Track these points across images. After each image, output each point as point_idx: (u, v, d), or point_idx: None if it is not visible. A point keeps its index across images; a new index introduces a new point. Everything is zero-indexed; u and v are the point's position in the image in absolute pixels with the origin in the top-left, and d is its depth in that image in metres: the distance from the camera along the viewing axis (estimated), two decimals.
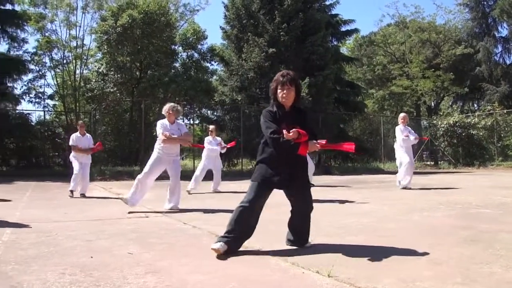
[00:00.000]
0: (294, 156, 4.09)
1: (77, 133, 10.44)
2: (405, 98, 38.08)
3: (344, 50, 38.04)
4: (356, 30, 30.35)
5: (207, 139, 11.33)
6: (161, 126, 7.41)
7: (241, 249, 4.20)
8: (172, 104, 7.71)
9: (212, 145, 11.20)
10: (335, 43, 28.97)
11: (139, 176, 7.34)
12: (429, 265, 3.60)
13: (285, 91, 4.21)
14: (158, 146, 7.42)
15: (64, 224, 6.04)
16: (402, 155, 11.20)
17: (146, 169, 7.35)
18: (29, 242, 4.68)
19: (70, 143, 10.41)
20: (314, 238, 4.57)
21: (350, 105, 27.73)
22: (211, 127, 11.68)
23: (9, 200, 9.08)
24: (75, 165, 10.15)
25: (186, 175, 16.41)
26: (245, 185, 9.98)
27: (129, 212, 6.97)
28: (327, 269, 3.36)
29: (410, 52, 37.40)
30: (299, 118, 4.23)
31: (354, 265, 3.59)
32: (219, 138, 11.60)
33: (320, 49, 22.12)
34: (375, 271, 3.42)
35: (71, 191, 9.86)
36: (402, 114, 11.58)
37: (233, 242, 4.06)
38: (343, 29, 29.09)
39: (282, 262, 3.75)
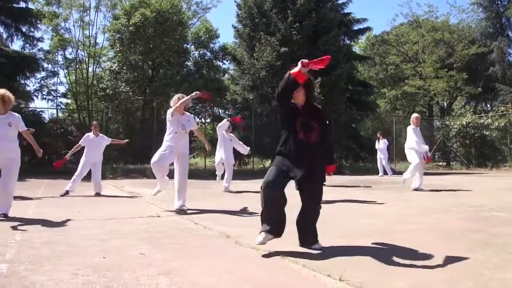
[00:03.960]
0: (313, 150, 4.24)
1: (91, 133, 10.52)
2: (418, 98, 37.88)
3: (356, 49, 37.87)
4: (368, 29, 30.23)
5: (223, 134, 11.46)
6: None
7: (253, 250, 4.22)
8: (179, 94, 7.72)
9: (226, 140, 11.31)
10: (347, 42, 28.87)
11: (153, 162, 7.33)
12: (441, 269, 3.58)
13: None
14: (167, 138, 7.39)
15: (77, 223, 6.08)
16: (413, 156, 11.11)
17: (155, 157, 7.30)
18: (42, 241, 4.71)
19: (79, 142, 10.51)
20: (325, 239, 4.56)
21: (362, 105, 27.61)
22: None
23: (30, 198, 9.18)
24: (79, 166, 10.25)
25: (198, 174, 16.46)
26: (256, 185, 9.99)
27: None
28: (338, 273, 3.35)
29: (423, 51, 37.18)
30: (314, 114, 4.44)
31: (365, 269, 3.58)
32: (232, 135, 11.68)
33: (332, 48, 22.03)
34: (387, 275, 3.41)
35: (67, 191, 9.84)
36: (415, 115, 11.47)
37: (275, 229, 4.20)
38: (356, 28, 28.98)
39: (293, 264, 3.75)
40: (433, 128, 30.13)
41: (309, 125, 4.32)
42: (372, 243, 4.62)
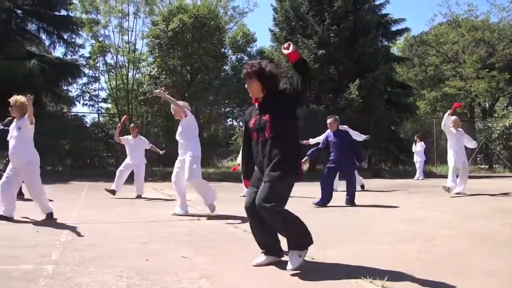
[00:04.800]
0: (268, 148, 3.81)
1: (130, 136, 10.72)
2: (459, 100, 37.06)
3: (394, 50, 37.34)
4: (406, 30, 29.69)
5: None
6: None
7: None
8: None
9: None
10: (385, 43, 28.47)
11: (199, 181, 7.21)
12: (485, 276, 3.51)
13: (246, 86, 4.04)
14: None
15: (119, 225, 6.21)
16: (451, 159, 10.76)
17: (198, 172, 7.16)
18: (86, 243, 4.83)
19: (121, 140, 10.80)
20: (365, 244, 4.52)
21: (402, 107, 27.18)
22: None
23: (73, 200, 9.40)
24: (120, 167, 10.50)
25: (238, 177, 16.51)
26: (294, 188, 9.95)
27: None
28: (381, 279, 3.32)
29: (463, 51, 36.37)
30: (268, 105, 3.93)
31: (407, 276, 3.53)
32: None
33: (370, 50, 21.83)
34: (429, 283, 3.35)
35: (113, 190, 10.09)
36: (453, 117, 11.18)
37: (271, 250, 3.99)
38: (394, 28, 28.53)
39: (335, 270, 3.73)
40: (475, 130, 29.42)
41: (260, 122, 3.88)
42: (414, 249, 4.54)
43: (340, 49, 21.17)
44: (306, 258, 4.02)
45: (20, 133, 6.40)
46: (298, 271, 3.63)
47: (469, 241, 5.00)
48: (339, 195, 9.21)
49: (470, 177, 11.55)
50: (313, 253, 4.22)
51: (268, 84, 3.95)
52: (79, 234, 5.39)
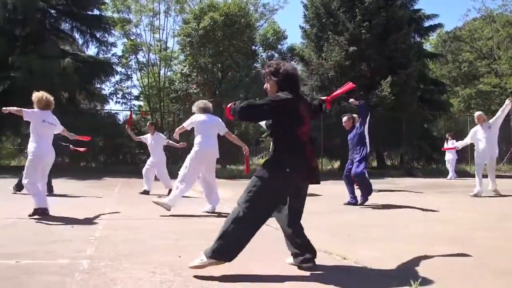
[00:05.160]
0: None
1: (148, 134, 10.88)
2: (494, 97, 36.34)
3: (427, 46, 36.79)
4: (440, 25, 29.16)
5: None
6: None
7: (324, 254, 4.21)
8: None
9: None
10: (418, 39, 28.04)
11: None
12: None
13: (264, 86, 3.95)
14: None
15: (152, 221, 6.29)
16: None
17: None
18: (120, 239, 4.90)
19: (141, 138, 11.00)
20: (397, 246, 4.46)
21: (435, 104, 26.73)
22: None
23: (106, 197, 9.57)
24: (144, 167, 10.69)
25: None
26: (326, 187, 9.95)
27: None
28: (414, 281, 3.27)
29: (498, 47, 35.66)
30: None
31: (442, 278, 3.47)
32: None
33: (402, 46, 21.54)
34: (465, 285, 3.29)
35: (146, 191, 10.33)
36: (476, 113, 10.79)
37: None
38: (426, 24, 28.05)
39: (368, 271, 3.70)
40: (510, 128, 28.78)
41: None
42: (449, 251, 4.47)
43: (371, 46, 20.96)
44: (336, 257, 4.00)
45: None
46: (332, 271, 3.60)
47: (506, 243, 4.90)
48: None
49: (506, 176, 11.26)
50: (345, 253, 4.20)
51: (283, 85, 3.81)
52: (113, 230, 5.48)
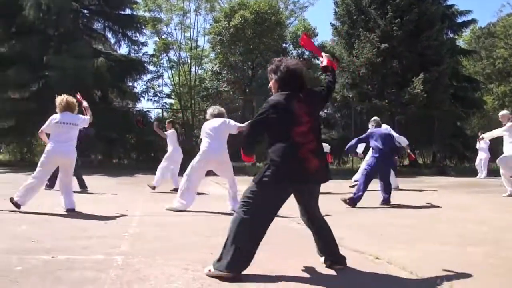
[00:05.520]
0: None
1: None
2: None
3: (460, 42, 36.12)
4: (473, 21, 28.59)
5: None
6: None
7: (356, 253, 4.20)
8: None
9: None
10: (451, 35, 27.57)
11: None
12: None
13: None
14: None
15: (183, 218, 6.35)
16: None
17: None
18: (152, 236, 4.97)
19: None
20: (428, 246, 4.40)
21: (468, 102, 26.22)
22: None
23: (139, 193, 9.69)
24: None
25: None
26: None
27: None
28: (448, 282, 3.23)
29: None
30: None
31: (476, 280, 3.42)
32: None
33: (435, 43, 21.20)
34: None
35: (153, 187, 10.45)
36: (501, 112, 10.41)
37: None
38: (459, 20, 27.56)
39: (400, 271, 3.66)
40: None
41: None
42: (482, 252, 4.39)
43: (403, 43, 20.70)
44: (369, 257, 3.98)
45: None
46: (364, 271, 3.58)
47: None
48: (397, 194, 9.00)
49: None
50: (377, 253, 4.17)
51: (283, 82, 3.68)
52: (145, 226, 5.56)
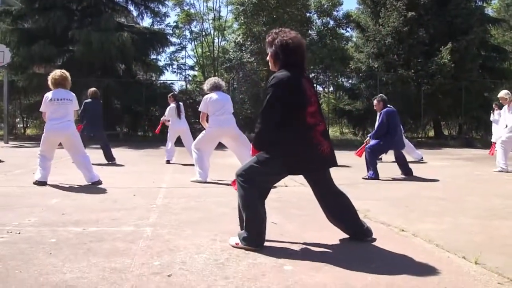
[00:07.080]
0: None
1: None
2: None
3: (489, 11, 35.15)
4: None
5: None
6: None
7: (383, 225, 4.21)
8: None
9: None
10: (479, 3, 26.86)
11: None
12: None
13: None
14: None
15: (210, 190, 6.42)
16: None
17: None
18: (180, 207, 5.04)
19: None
20: (457, 219, 4.37)
21: (496, 72, 25.62)
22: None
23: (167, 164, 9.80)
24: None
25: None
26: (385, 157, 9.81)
27: None
28: (474, 255, 3.21)
29: None
30: None
31: (503, 253, 3.39)
32: None
33: (464, 12, 20.69)
34: None
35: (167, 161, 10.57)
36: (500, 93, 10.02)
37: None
38: None
39: (426, 244, 3.66)
40: None
41: None
42: (507, 225, 4.35)
43: (430, 11, 20.29)
44: (394, 229, 3.99)
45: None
46: (392, 243, 3.58)
47: None
48: (422, 166, 8.91)
49: None
50: (403, 225, 4.17)
51: (278, 57, 3.45)
52: (172, 198, 5.63)
